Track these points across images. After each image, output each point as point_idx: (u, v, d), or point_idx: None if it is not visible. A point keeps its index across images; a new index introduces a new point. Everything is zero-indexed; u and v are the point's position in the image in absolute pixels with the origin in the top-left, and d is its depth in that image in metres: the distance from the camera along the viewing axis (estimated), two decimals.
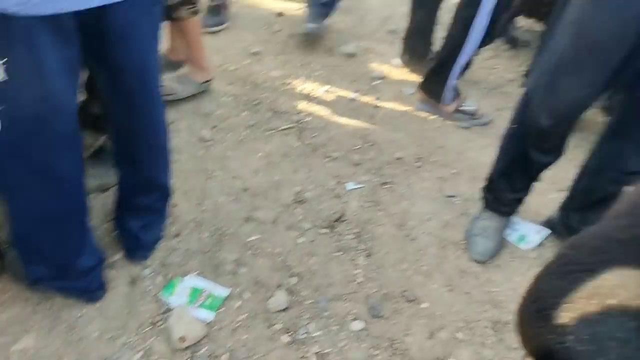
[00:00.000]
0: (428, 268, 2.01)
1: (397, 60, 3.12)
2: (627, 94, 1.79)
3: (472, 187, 2.32)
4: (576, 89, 1.65)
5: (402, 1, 3.87)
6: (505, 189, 2.03)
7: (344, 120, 2.69)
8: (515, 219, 2.17)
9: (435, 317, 1.85)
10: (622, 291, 0.85)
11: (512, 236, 2.15)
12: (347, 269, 1.98)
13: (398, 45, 3.12)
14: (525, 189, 2.03)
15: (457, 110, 2.70)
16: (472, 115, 2.72)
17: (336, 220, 2.15)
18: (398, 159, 2.48)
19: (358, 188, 2.32)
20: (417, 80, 2.86)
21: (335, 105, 2.78)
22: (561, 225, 2.12)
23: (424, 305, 1.89)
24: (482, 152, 2.52)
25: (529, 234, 2.16)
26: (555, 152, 1.86)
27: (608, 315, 0.86)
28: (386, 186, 2.34)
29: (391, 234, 2.13)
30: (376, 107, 2.82)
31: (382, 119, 2.73)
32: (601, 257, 0.90)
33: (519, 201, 2.08)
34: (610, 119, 1.94)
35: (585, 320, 0.86)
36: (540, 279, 0.99)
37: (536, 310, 0.96)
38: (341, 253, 2.03)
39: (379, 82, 2.99)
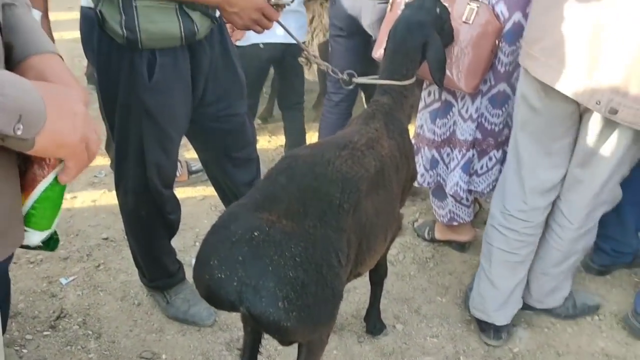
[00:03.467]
0: (159, 324, 2.15)
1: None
2: None
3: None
4: None
5: None
6: (165, 262, 2.15)
7: None
8: None
9: None
10: None
11: None
12: (80, 357, 2.00)
13: None
14: (172, 247, 2.19)
15: None
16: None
17: (57, 319, 2.15)
18: (105, 239, 2.57)
19: (72, 280, 2.34)
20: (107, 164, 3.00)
21: None
22: None
23: (164, 357, 2.02)
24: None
25: None
26: None
27: None
28: (100, 268, 2.42)
29: (117, 308, 2.21)
30: (73, 198, 2.87)
31: (81, 207, 2.80)
32: None
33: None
34: None
35: None
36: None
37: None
38: (70, 347, 2.04)
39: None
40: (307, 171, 1.39)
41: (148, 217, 1.97)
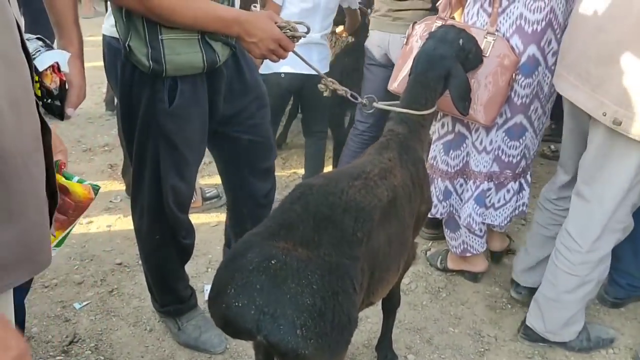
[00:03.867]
0: (170, 350, 2.15)
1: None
2: None
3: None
4: None
5: (89, 122, 4.05)
6: (178, 287, 2.16)
7: None
8: None
9: None
10: None
11: None
12: None
13: (96, 162, 3.26)
14: (185, 273, 2.20)
15: None
16: None
17: (69, 344, 2.16)
18: (119, 264, 2.59)
19: (86, 304, 2.36)
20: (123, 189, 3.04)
21: None
22: None
23: None
24: None
25: None
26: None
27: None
28: (114, 293, 2.43)
29: (129, 333, 2.22)
30: (89, 223, 2.91)
31: (97, 232, 2.83)
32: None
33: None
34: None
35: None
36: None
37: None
38: None
39: None
40: (321, 200, 1.41)
41: (162, 241, 1.99)
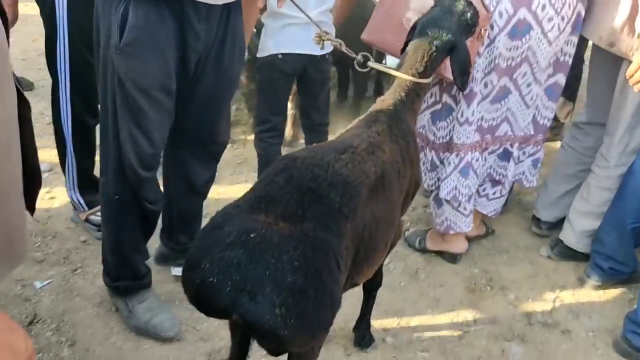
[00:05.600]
0: (136, 332, 2.04)
1: None
2: None
3: None
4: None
5: None
6: (134, 260, 2.00)
7: None
8: None
9: None
10: None
11: None
12: None
13: None
14: (145, 248, 2.05)
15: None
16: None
17: (29, 324, 2.03)
18: (83, 241, 2.46)
19: (47, 283, 2.23)
20: None
21: None
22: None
23: None
24: None
25: None
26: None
27: None
28: (78, 271, 2.30)
29: (93, 314, 2.10)
30: (51, 199, 2.75)
31: (59, 208, 2.68)
32: None
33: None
34: None
35: None
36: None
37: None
38: (42, 354, 1.92)
39: (47, 174, 2.92)
40: (306, 173, 1.31)
41: (121, 200, 1.84)
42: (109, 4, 1.59)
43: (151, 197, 1.88)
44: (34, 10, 2.31)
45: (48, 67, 2.31)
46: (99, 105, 1.93)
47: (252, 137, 3.01)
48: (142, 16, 1.57)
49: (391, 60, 2.83)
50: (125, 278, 2.01)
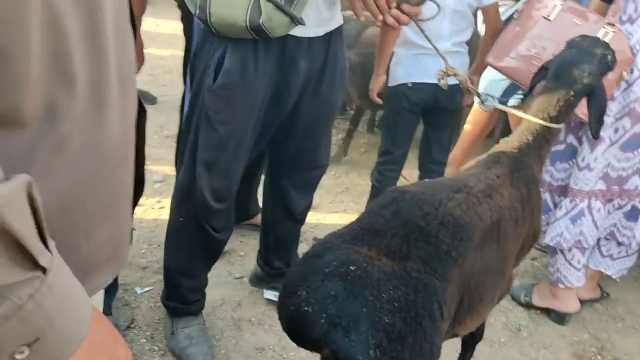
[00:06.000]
0: (225, 351, 2.04)
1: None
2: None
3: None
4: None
5: (175, 109, 4.07)
6: (183, 285, 1.98)
7: None
8: None
9: None
10: None
11: None
12: None
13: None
14: (206, 277, 2.04)
15: None
16: None
17: (127, 328, 2.09)
18: None
19: (148, 290, 2.30)
20: None
21: None
22: None
23: None
24: None
25: None
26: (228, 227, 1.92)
27: None
28: None
29: None
30: (160, 208, 2.87)
31: (167, 218, 2.77)
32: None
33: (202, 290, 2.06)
34: None
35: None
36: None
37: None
38: None
39: (159, 185, 3.06)
40: (414, 209, 1.24)
41: (184, 225, 1.85)
42: (209, 47, 1.64)
43: (220, 226, 1.86)
44: (163, 29, 2.46)
45: (183, 79, 2.43)
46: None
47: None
48: (238, 62, 1.61)
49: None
50: (174, 300, 2.01)
